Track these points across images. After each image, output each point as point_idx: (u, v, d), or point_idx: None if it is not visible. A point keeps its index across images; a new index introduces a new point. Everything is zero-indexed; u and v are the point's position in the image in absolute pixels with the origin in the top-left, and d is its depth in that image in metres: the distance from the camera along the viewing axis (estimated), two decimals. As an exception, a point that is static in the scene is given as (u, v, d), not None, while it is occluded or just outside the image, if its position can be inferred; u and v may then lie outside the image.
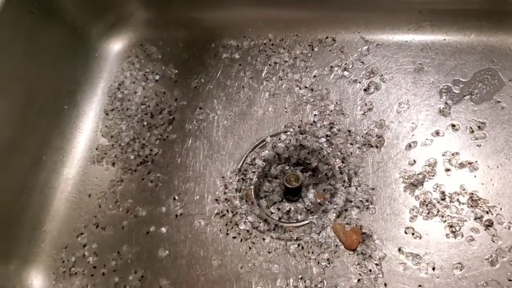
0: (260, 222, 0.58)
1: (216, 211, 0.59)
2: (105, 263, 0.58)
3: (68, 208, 0.63)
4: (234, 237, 0.57)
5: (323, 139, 0.61)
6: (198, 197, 0.60)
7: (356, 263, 0.53)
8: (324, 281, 0.53)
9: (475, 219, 0.54)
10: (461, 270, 0.51)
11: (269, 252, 0.56)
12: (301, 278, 0.54)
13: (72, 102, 0.68)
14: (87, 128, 0.68)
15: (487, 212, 0.54)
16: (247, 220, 0.58)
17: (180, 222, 0.59)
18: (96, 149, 0.66)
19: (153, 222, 0.60)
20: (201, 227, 0.58)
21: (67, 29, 0.69)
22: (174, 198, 0.61)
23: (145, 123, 0.67)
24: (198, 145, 0.64)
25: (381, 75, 0.64)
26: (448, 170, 0.57)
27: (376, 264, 0.53)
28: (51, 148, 0.65)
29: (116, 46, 0.74)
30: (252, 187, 0.61)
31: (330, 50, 0.68)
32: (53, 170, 0.65)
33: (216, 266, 0.56)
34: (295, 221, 0.58)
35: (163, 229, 0.59)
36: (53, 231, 0.62)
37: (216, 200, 0.60)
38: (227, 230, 0.58)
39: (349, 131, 0.61)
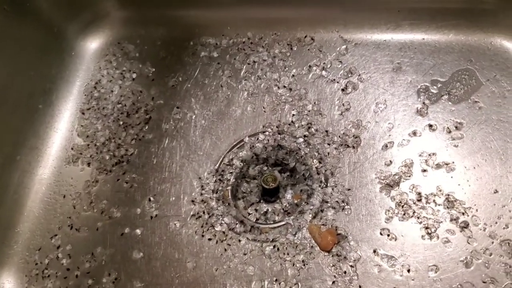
0: (237, 224, 0.57)
1: (192, 213, 0.58)
2: (78, 265, 0.57)
3: (42, 209, 0.62)
4: (209, 239, 0.56)
5: (301, 139, 0.61)
6: (174, 198, 0.60)
7: (331, 264, 0.53)
8: (299, 283, 0.52)
9: (451, 220, 0.53)
10: (436, 272, 0.51)
11: (245, 254, 0.55)
12: (276, 280, 0.53)
13: (47, 101, 0.67)
14: (63, 127, 0.67)
15: (463, 214, 0.53)
16: (223, 222, 0.57)
17: (155, 223, 0.58)
18: (72, 149, 0.65)
19: (128, 223, 0.59)
20: (177, 228, 0.58)
21: (43, 27, 0.68)
22: (150, 199, 0.60)
23: (121, 122, 0.66)
24: (175, 145, 0.63)
25: (359, 75, 0.64)
26: (424, 170, 0.56)
27: (351, 266, 0.52)
28: (25, 147, 0.64)
29: (93, 44, 0.73)
30: (229, 188, 0.60)
31: (309, 49, 0.67)
32: (27, 170, 0.64)
33: (190, 268, 0.55)
34: (271, 222, 0.57)
35: (138, 231, 0.58)
36: (26, 232, 0.61)
37: (192, 201, 0.59)
38: (203, 232, 0.57)
39: (326, 131, 0.61)
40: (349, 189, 0.57)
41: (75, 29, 0.71)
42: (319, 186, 0.58)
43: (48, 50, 0.68)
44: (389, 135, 0.59)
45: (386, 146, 0.59)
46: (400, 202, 0.55)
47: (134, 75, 0.69)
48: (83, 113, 0.68)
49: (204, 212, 0.58)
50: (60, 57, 0.70)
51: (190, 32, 0.71)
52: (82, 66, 0.71)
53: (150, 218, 0.59)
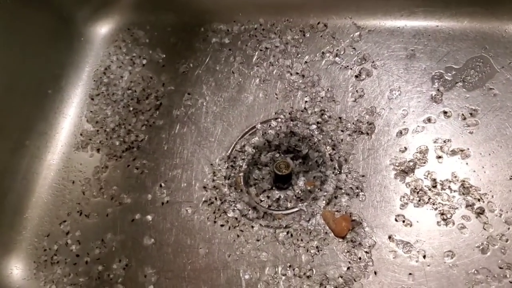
0: (249, 210, 0.56)
1: (203, 199, 0.58)
2: (88, 251, 0.57)
3: (51, 195, 0.61)
4: (222, 225, 0.56)
5: (314, 126, 0.60)
6: (185, 184, 0.59)
7: (346, 250, 0.52)
8: (313, 269, 0.52)
9: (467, 206, 0.53)
10: (452, 258, 0.51)
11: (258, 240, 0.54)
12: (290, 266, 0.52)
13: (56, 86, 0.67)
14: (72, 113, 0.66)
15: (479, 200, 0.53)
16: (235, 208, 0.57)
17: (166, 209, 0.58)
18: (81, 134, 0.65)
19: (138, 209, 0.58)
20: (188, 215, 0.57)
21: (52, 12, 0.67)
22: (161, 186, 0.59)
23: (131, 108, 0.65)
24: (186, 132, 0.63)
25: (373, 62, 0.63)
26: (439, 157, 0.56)
27: (366, 252, 0.52)
28: (34, 133, 0.63)
29: (102, 30, 0.72)
30: (241, 174, 0.59)
31: (321, 36, 0.66)
32: (36, 156, 0.63)
33: (203, 255, 0.54)
34: (284, 209, 0.57)
35: (149, 217, 0.57)
36: (35, 218, 0.60)
37: (204, 187, 0.59)
38: (215, 218, 0.56)
39: (340, 118, 0.60)
40: (363, 176, 0.56)
41: (85, 14, 0.70)
42: (333, 172, 0.57)
43: (58, 35, 0.67)
44: (404, 122, 0.59)
45: (401, 132, 0.58)
46: (415, 188, 0.54)
47: (144, 61, 0.69)
48: (92, 99, 0.67)
49: (216, 198, 0.58)
50: (70, 43, 0.69)
51: (201, 18, 0.70)
52: (92, 52, 0.70)
53: (161, 204, 0.58)
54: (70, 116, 0.66)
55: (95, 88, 0.68)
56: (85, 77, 0.69)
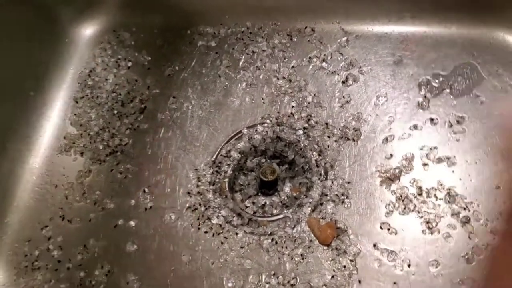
0: (234, 216, 0.56)
1: (187, 205, 0.57)
2: (70, 257, 0.56)
3: (32, 199, 0.60)
4: (206, 232, 0.55)
5: (300, 132, 0.60)
6: (169, 190, 0.58)
7: (330, 258, 0.52)
8: (297, 277, 0.51)
9: (452, 215, 0.53)
10: (437, 267, 0.50)
11: (242, 247, 0.54)
12: (274, 274, 0.52)
13: (39, 88, 0.65)
14: (55, 115, 0.65)
15: (464, 209, 0.53)
16: (220, 214, 0.56)
17: (149, 215, 0.57)
18: (64, 138, 0.63)
19: (121, 215, 0.57)
20: (172, 221, 0.56)
21: (36, 11, 0.66)
22: (144, 191, 0.58)
23: (116, 111, 0.64)
24: (171, 136, 0.62)
25: (360, 67, 0.63)
26: (425, 164, 0.56)
27: (351, 260, 0.51)
28: (15, 135, 0.62)
29: (88, 31, 0.71)
30: (226, 180, 0.59)
31: (309, 41, 0.66)
32: (18, 159, 0.62)
33: (186, 262, 0.54)
34: (269, 215, 0.56)
35: (132, 223, 0.56)
36: (16, 223, 0.59)
37: (188, 193, 0.58)
38: (199, 225, 0.56)
39: (326, 123, 0.60)
40: (349, 182, 0.56)
41: (70, 14, 0.69)
42: (319, 179, 0.57)
43: (41, 35, 0.66)
44: (390, 129, 0.58)
45: (387, 139, 0.58)
46: (401, 196, 0.54)
47: (129, 64, 0.68)
48: (76, 102, 0.66)
49: (200, 204, 0.57)
50: (54, 44, 0.68)
51: (188, 21, 0.69)
52: (76, 54, 0.69)
53: (144, 210, 0.57)
54: (53, 118, 0.65)
55: (80, 90, 0.66)
56: (69, 79, 0.68)
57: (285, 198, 0.57)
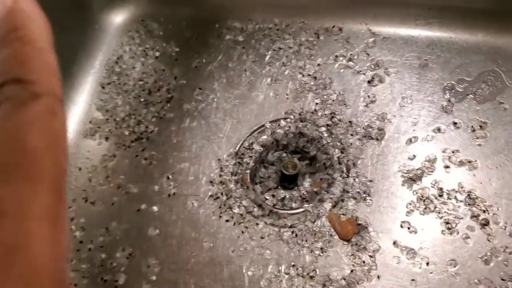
0: (255, 207, 0.57)
1: (210, 193, 0.58)
2: (92, 238, 0.56)
3: (56, 180, 0.61)
4: (227, 221, 0.56)
5: (323, 128, 0.60)
6: (192, 178, 0.59)
7: (350, 253, 0.53)
8: (317, 270, 0.52)
9: (472, 217, 0.53)
10: (455, 266, 0.51)
11: (262, 238, 0.55)
12: (293, 266, 0.53)
13: (67, 72, 0.66)
14: (82, 100, 0.66)
15: (484, 211, 0.54)
16: (241, 204, 0.57)
17: (172, 201, 0.58)
18: (90, 122, 0.64)
19: (144, 200, 0.58)
20: (194, 208, 0.57)
21: (68, -3, 0.67)
22: (168, 178, 0.59)
23: (142, 99, 0.65)
24: (196, 126, 0.63)
25: (386, 68, 0.64)
26: (447, 167, 0.57)
27: (370, 256, 0.52)
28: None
29: (117, 19, 0.72)
30: (248, 171, 0.59)
31: (336, 40, 0.67)
32: (44, 141, 0.63)
33: (207, 248, 0.55)
34: (289, 209, 0.57)
35: (155, 208, 0.57)
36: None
37: (211, 182, 0.59)
38: (220, 213, 0.57)
39: (350, 122, 0.61)
40: (371, 181, 0.57)
41: (101, 2, 0.70)
42: (340, 176, 0.58)
43: (72, 21, 0.67)
44: (414, 130, 0.59)
45: (410, 140, 0.59)
46: (422, 196, 0.55)
47: (157, 54, 0.69)
48: (103, 87, 0.67)
49: (222, 194, 0.58)
50: (83, 29, 0.69)
51: (216, 15, 0.71)
52: (105, 40, 0.70)
53: (167, 196, 0.58)
54: (80, 103, 0.66)
55: (107, 77, 0.68)
56: (97, 65, 0.69)
57: (305, 193, 0.58)
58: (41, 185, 0.19)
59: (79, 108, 0.66)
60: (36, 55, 0.22)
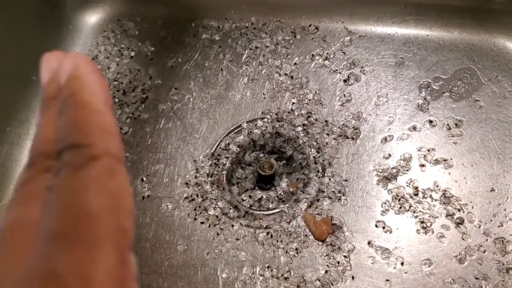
0: (230, 209, 0.56)
1: (185, 195, 0.57)
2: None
3: (30, 183, 0.60)
4: (202, 223, 0.55)
5: (300, 128, 0.60)
6: (167, 179, 0.58)
7: (325, 254, 0.52)
8: (291, 271, 0.52)
9: (447, 216, 0.53)
10: (429, 266, 0.51)
11: (237, 239, 0.54)
12: (268, 267, 0.52)
13: (41, 74, 0.65)
14: (56, 101, 0.65)
15: (459, 210, 0.53)
16: (216, 206, 0.56)
17: (146, 204, 0.57)
18: (64, 124, 0.63)
19: (118, 202, 0.57)
20: (169, 210, 0.56)
21: (41, -4, 0.66)
22: (142, 180, 0.59)
23: (117, 100, 0.64)
24: (171, 127, 0.62)
25: (362, 67, 0.63)
26: (422, 165, 0.56)
27: (345, 256, 0.52)
28: (15, 120, 0.62)
29: (91, 19, 0.71)
30: (224, 172, 0.59)
31: (312, 39, 0.66)
32: (17, 143, 0.62)
33: (181, 251, 0.54)
34: (265, 209, 0.56)
35: (129, 210, 0.57)
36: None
37: (186, 184, 0.58)
38: (195, 215, 0.56)
39: (326, 121, 0.60)
40: (346, 180, 0.56)
41: (74, 1, 0.69)
42: (316, 175, 0.57)
43: (45, 21, 0.66)
44: (389, 129, 0.59)
45: (386, 139, 0.58)
46: (397, 195, 0.55)
47: (132, 53, 0.68)
48: (77, 88, 0.66)
49: (197, 195, 0.57)
50: (57, 30, 0.68)
51: (193, 13, 0.70)
52: (79, 41, 0.69)
53: (141, 198, 0.57)
54: (54, 104, 0.65)
55: (81, 77, 0.66)
56: (72, 65, 0.68)
57: (282, 193, 0.58)
58: (103, 249, 0.19)
59: (53, 110, 0.65)
60: (91, 117, 0.22)
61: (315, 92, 0.62)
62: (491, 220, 0.53)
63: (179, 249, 0.54)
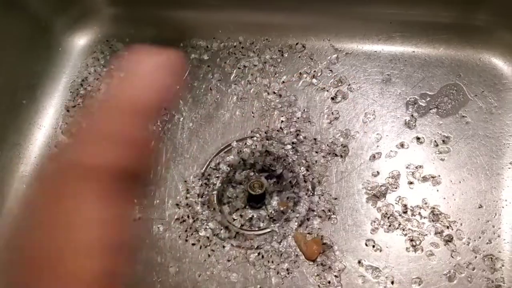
0: (221, 229, 0.56)
1: (176, 217, 0.57)
2: (57, 266, 0.56)
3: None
4: (193, 244, 0.56)
5: (289, 146, 0.60)
6: (158, 201, 0.59)
7: (316, 274, 0.53)
8: (282, 292, 0.52)
9: (436, 233, 0.54)
10: (419, 284, 0.51)
11: (229, 260, 0.54)
12: (259, 288, 0.52)
13: (31, 96, 0.66)
14: (46, 124, 0.66)
15: (448, 227, 0.54)
16: (207, 227, 0.57)
17: (138, 226, 0.57)
18: (55, 146, 0.64)
19: (110, 225, 0.57)
20: (160, 232, 0.57)
21: (30, 20, 0.66)
22: (133, 202, 0.59)
23: (107, 122, 0.64)
24: (161, 147, 0.62)
25: (349, 84, 0.64)
26: (411, 183, 0.57)
27: (336, 276, 0.52)
28: (6, 143, 0.62)
29: (81, 41, 0.71)
30: (215, 192, 0.59)
31: (299, 57, 0.67)
32: (8, 167, 0.62)
33: (173, 273, 0.54)
34: (256, 229, 0.57)
35: (120, 233, 0.57)
36: (5, 232, 0.59)
37: (177, 205, 0.58)
38: (187, 237, 0.56)
39: (315, 139, 0.61)
40: (335, 198, 0.57)
41: (63, 24, 0.70)
42: (306, 194, 0.57)
43: (34, 44, 0.67)
44: (377, 146, 0.59)
45: (374, 156, 0.59)
46: (386, 213, 0.55)
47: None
48: (68, 111, 0.66)
49: (188, 217, 0.57)
50: (47, 52, 0.68)
51: (181, 34, 0.70)
52: (69, 63, 0.70)
53: (132, 221, 0.57)
54: (45, 127, 0.65)
55: (71, 99, 0.67)
56: (62, 88, 0.68)
57: (273, 212, 0.58)
58: None
59: (44, 132, 0.65)
60: None
61: (304, 110, 0.63)
62: (480, 237, 0.53)
63: (171, 271, 0.54)
